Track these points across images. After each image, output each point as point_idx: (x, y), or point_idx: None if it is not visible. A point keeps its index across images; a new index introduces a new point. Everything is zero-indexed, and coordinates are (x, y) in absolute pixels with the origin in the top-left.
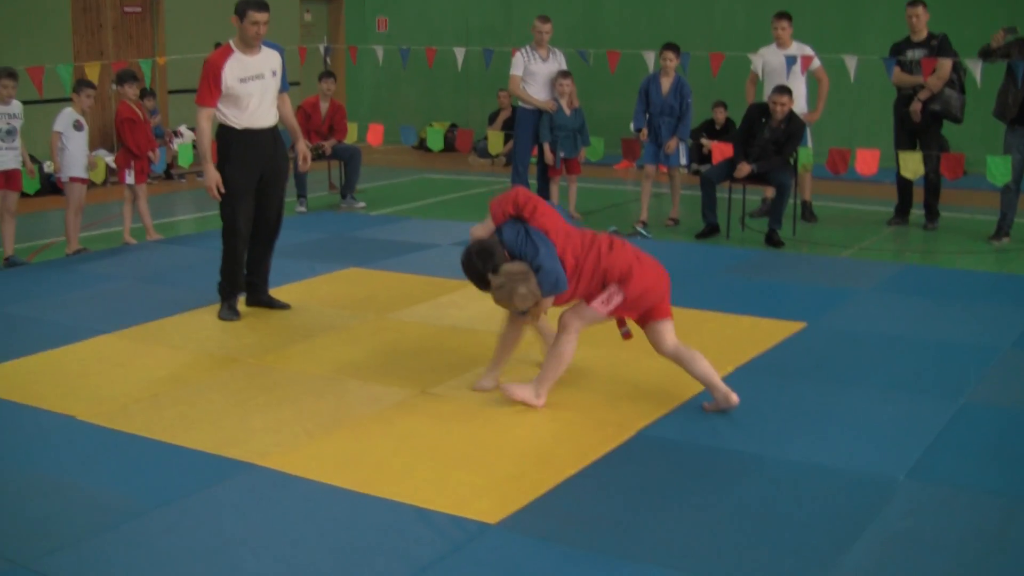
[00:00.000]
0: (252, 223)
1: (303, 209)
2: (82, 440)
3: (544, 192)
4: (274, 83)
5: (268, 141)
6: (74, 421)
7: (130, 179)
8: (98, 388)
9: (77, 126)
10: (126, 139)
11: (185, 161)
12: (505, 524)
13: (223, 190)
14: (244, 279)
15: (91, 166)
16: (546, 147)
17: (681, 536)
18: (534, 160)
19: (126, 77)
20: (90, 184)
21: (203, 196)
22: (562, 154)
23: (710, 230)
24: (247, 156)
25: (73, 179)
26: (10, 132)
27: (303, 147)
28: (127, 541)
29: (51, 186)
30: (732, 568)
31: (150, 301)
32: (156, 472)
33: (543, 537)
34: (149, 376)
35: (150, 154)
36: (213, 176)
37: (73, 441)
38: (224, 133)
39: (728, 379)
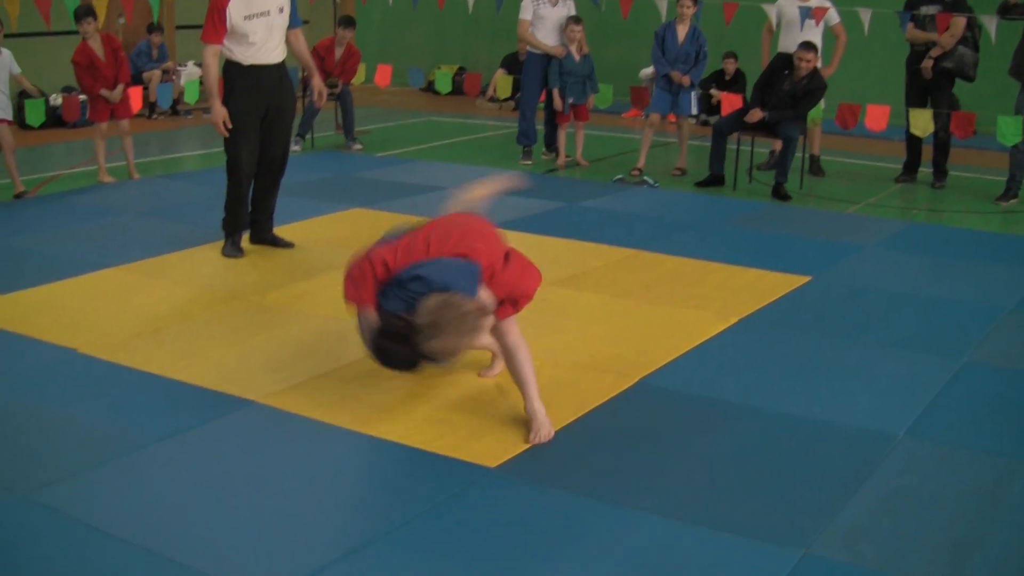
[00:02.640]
0: (256, 160)
1: (297, 148)
2: (82, 373)
3: (551, 137)
4: (281, 20)
5: (274, 78)
6: (75, 354)
7: (87, 117)
8: (99, 321)
9: None
10: (77, 78)
11: (191, 97)
12: (504, 468)
13: (230, 125)
14: (248, 216)
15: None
16: (555, 93)
17: (678, 485)
18: (541, 106)
19: (83, 13)
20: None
21: (208, 132)
22: (571, 100)
23: (713, 180)
24: (252, 92)
25: None
26: None
27: (318, 82)
28: (125, 474)
29: (56, 119)
30: (728, 519)
31: (153, 236)
32: (155, 406)
33: (542, 482)
34: (150, 311)
35: (104, 92)
36: (220, 112)
37: (73, 373)
38: (230, 69)
39: (730, 331)
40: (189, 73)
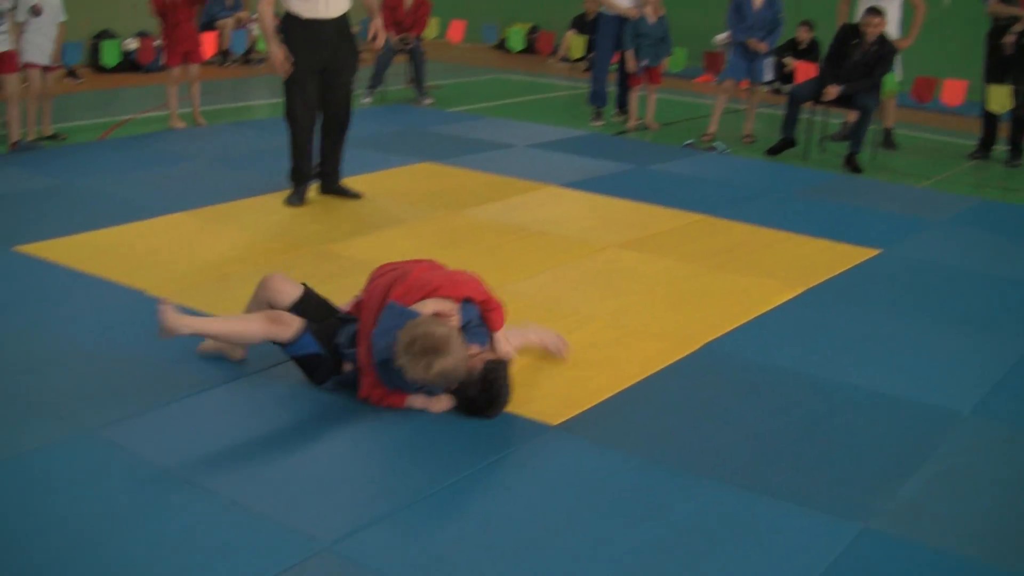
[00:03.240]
0: (315, 112)
1: (368, 100)
2: (149, 314)
3: (622, 99)
4: None
5: (333, 32)
6: (143, 295)
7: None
8: (168, 264)
9: (34, 11)
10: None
11: (264, 46)
12: (565, 426)
13: (289, 69)
14: (315, 168)
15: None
16: (628, 55)
17: (738, 452)
18: (614, 67)
19: None
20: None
21: (279, 81)
22: (644, 62)
23: (784, 144)
24: (310, 45)
25: (28, 64)
26: None
27: (378, 23)
28: (191, 415)
29: (130, 64)
30: (787, 488)
31: (221, 183)
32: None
33: (602, 442)
34: (217, 256)
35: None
36: (278, 53)
37: (141, 315)
38: (288, 21)
39: (797, 301)
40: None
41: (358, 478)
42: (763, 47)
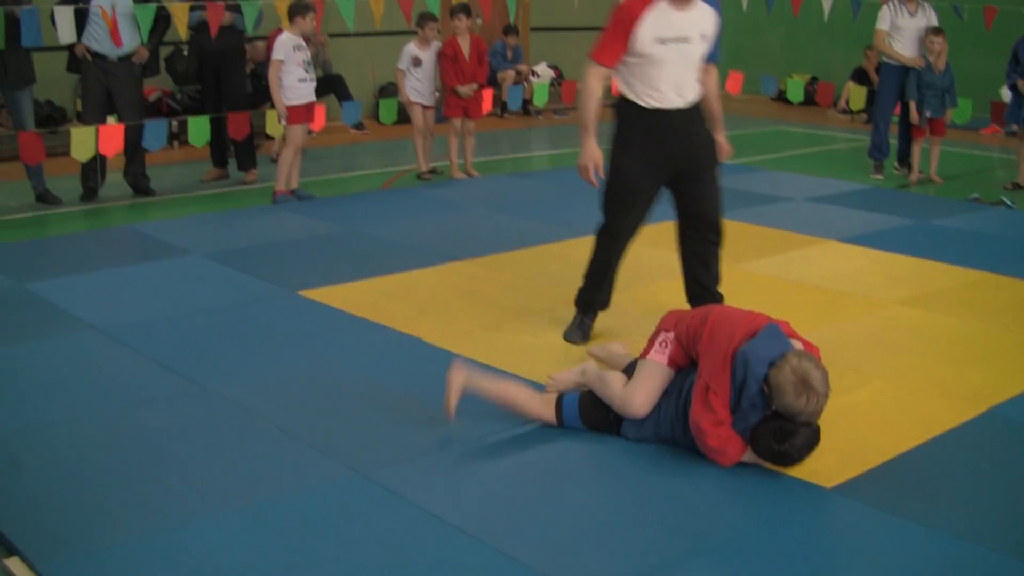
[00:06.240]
0: (638, 230)
1: None
2: (425, 360)
3: (904, 151)
4: (700, 50)
5: (684, 126)
6: (420, 342)
7: (441, 113)
8: (446, 312)
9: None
10: (440, 69)
11: (540, 101)
12: (841, 489)
13: (601, 175)
14: (608, 298)
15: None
16: (912, 106)
17: None
18: (895, 119)
19: (457, 9)
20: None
21: (557, 133)
22: (928, 114)
23: None
24: (653, 147)
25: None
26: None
27: (722, 140)
28: (462, 462)
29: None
30: None
31: (502, 231)
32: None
33: (880, 507)
34: (495, 304)
35: (459, 88)
36: (592, 154)
37: (418, 361)
38: (625, 110)
39: None
40: (541, 74)
41: (626, 534)
42: None
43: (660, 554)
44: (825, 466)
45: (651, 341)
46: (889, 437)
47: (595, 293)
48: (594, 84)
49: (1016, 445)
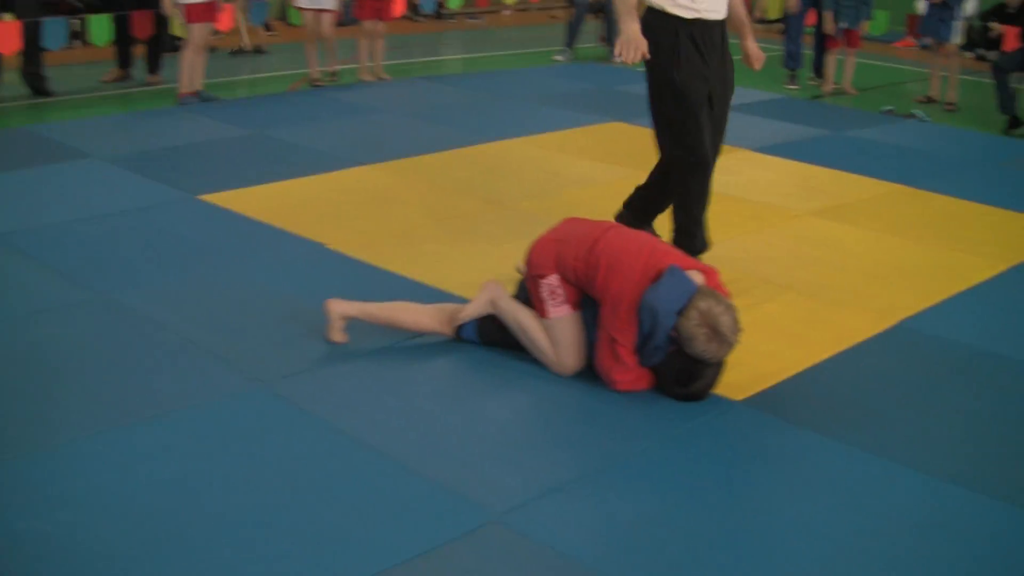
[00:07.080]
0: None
1: (561, 59)
2: (330, 269)
3: (820, 62)
4: None
5: (720, 42)
6: (325, 249)
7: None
8: (351, 219)
9: None
10: None
11: (454, 4)
12: (751, 402)
13: (647, 55)
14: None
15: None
16: (827, 16)
17: (934, 438)
18: (810, 30)
19: None
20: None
21: (471, 37)
22: (843, 25)
23: (1013, 124)
24: (698, 61)
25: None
26: None
27: (754, 47)
28: (362, 373)
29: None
30: (987, 481)
31: (412, 137)
32: None
33: (787, 419)
34: (402, 211)
35: None
36: (634, 34)
37: (322, 269)
38: (664, 21)
39: (1002, 278)
40: None
41: (538, 448)
42: None
43: (571, 469)
44: (737, 379)
45: (534, 293)
46: (801, 350)
47: (696, 234)
48: None
49: (925, 358)
